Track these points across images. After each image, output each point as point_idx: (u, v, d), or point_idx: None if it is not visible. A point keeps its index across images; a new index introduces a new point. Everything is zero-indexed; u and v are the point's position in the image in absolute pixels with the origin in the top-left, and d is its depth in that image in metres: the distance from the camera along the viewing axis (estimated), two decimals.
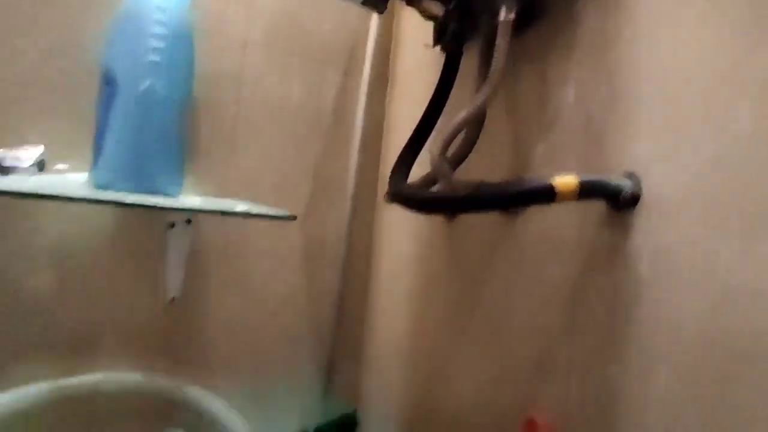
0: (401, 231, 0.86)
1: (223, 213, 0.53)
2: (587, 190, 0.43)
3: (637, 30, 0.46)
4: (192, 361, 0.80)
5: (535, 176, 0.53)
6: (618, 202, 0.45)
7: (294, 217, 0.58)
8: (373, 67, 0.87)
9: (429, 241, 0.76)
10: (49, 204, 0.67)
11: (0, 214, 0.66)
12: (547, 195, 0.43)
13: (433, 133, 0.61)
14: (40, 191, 0.53)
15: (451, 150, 0.55)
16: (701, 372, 0.37)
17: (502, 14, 0.52)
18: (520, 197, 0.44)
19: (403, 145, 0.83)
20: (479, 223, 0.64)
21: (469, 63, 0.65)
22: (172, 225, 0.74)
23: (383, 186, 0.94)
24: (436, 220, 0.74)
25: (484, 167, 0.60)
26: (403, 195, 0.52)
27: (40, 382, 0.68)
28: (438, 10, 0.63)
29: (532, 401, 0.53)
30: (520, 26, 0.54)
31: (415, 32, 0.67)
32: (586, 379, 0.47)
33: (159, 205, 0.55)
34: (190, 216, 0.74)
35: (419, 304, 0.79)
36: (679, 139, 0.41)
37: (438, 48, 0.69)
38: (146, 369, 0.75)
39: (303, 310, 0.89)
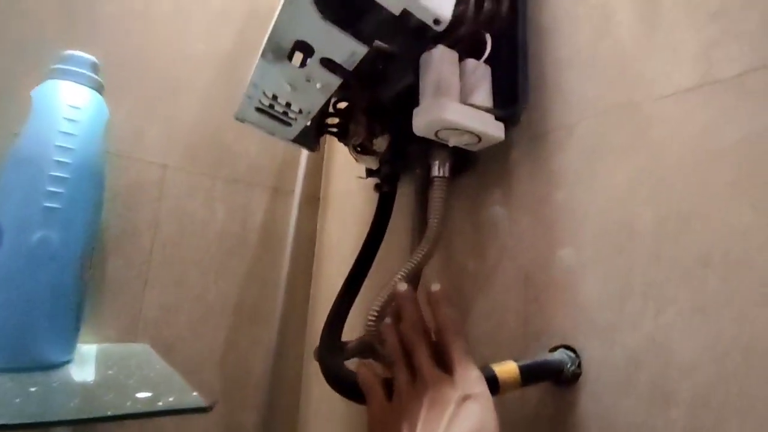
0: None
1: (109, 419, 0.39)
2: (529, 376, 0.41)
3: (572, 180, 0.46)
4: None
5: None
6: (560, 379, 0.43)
7: (207, 409, 0.44)
8: (304, 188, 0.84)
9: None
10: None
11: None
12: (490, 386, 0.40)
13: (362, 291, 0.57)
14: None
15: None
16: None
17: (435, 170, 0.52)
18: None
19: (335, 273, 0.77)
20: None
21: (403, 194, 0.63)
22: None
23: (312, 323, 0.86)
24: None
25: None
26: (326, 366, 0.47)
27: None
28: (372, 163, 0.63)
29: None
30: (453, 171, 0.53)
31: (348, 157, 0.66)
32: None
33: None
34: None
35: None
36: (618, 314, 0.41)
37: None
38: None
39: None
